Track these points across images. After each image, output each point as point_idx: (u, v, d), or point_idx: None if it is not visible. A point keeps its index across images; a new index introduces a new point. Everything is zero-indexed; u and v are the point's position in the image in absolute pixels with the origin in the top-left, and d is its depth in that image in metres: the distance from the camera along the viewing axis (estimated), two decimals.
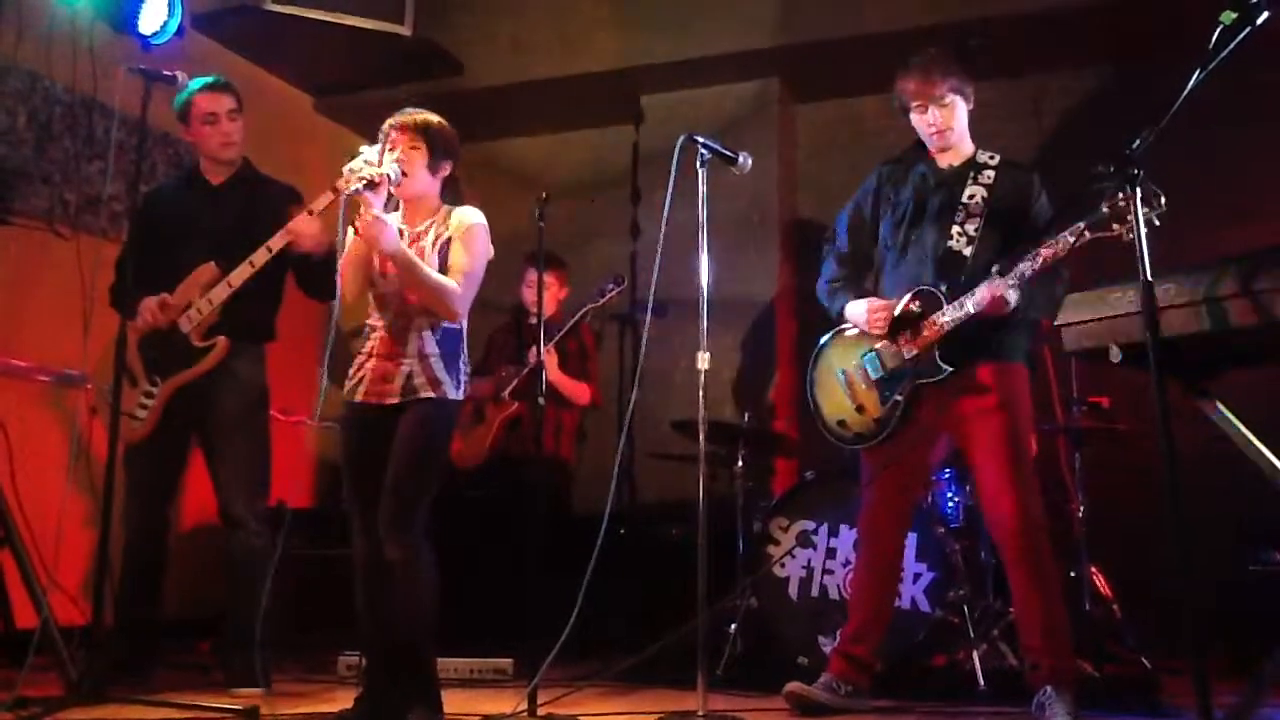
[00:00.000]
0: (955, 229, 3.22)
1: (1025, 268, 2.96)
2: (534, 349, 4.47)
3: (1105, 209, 2.63)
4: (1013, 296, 3.01)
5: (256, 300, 3.65)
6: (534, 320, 4.68)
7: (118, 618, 3.53)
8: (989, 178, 3.26)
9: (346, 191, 2.82)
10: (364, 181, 2.81)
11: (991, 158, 3.32)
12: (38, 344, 4.31)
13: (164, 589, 3.68)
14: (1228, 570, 4.04)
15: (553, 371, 4.59)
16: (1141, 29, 4.87)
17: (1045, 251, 2.92)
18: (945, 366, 3.12)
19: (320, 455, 5.86)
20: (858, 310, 3.31)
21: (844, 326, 3.43)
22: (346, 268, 2.93)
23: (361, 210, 2.81)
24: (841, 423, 3.35)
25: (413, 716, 2.80)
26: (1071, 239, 2.80)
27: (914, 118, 3.32)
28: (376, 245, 2.85)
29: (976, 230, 3.20)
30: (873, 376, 3.27)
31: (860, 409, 3.29)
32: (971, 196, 3.24)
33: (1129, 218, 2.36)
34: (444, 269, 2.95)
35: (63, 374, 4.31)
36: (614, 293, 4.62)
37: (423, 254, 2.95)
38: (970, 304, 3.04)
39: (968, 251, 3.19)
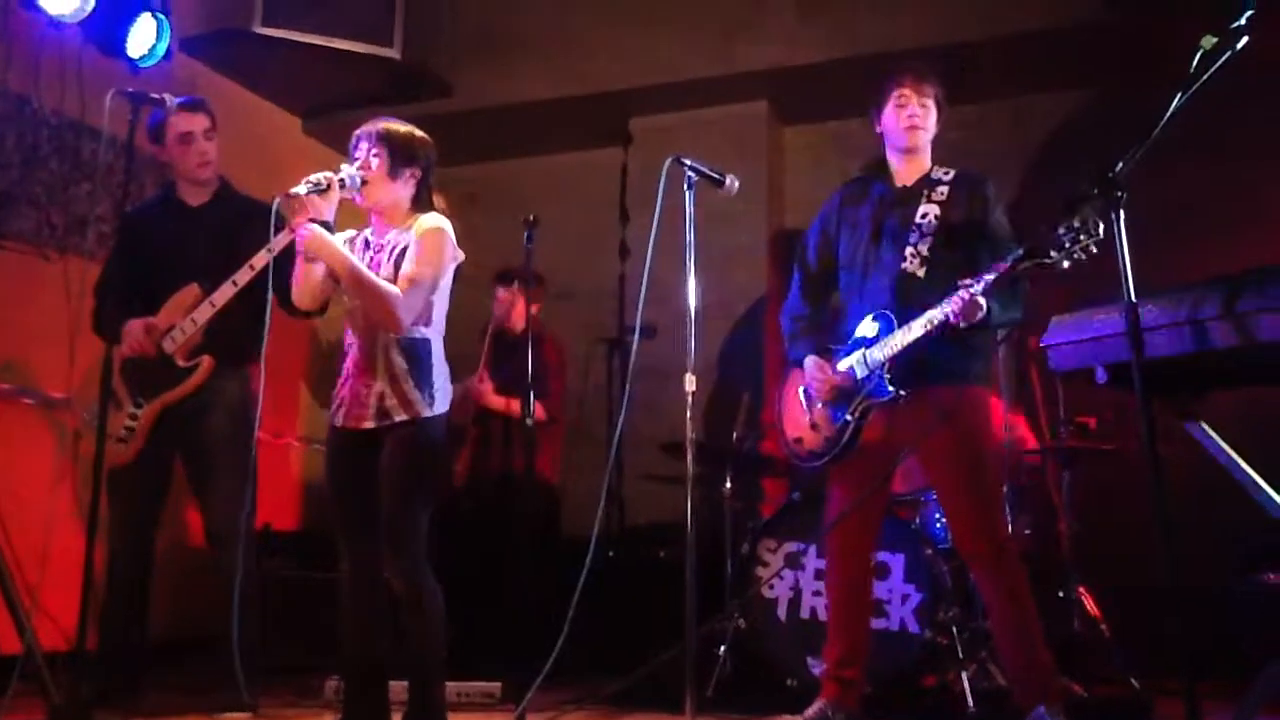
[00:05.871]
0: (909, 250, 3.22)
1: (986, 278, 2.94)
2: (479, 372, 4.59)
3: (1050, 235, 2.68)
4: (983, 301, 2.96)
5: (240, 320, 3.61)
6: (508, 338, 4.75)
7: (102, 641, 3.50)
8: (942, 194, 3.26)
9: (290, 192, 2.77)
10: (311, 185, 2.77)
11: (946, 173, 3.31)
12: (23, 366, 4.29)
13: (150, 611, 3.66)
14: (1218, 590, 4.04)
15: (489, 397, 4.72)
16: (1126, 52, 4.91)
17: (987, 276, 2.91)
18: (891, 389, 3.11)
19: (307, 478, 5.83)
20: (810, 368, 3.31)
21: None
22: (299, 276, 2.90)
23: (290, 214, 2.79)
24: (798, 440, 3.36)
25: None
26: (1007, 264, 2.85)
27: (891, 111, 3.29)
28: (307, 252, 2.80)
29: (930, 250, 3.20)
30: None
31: (814, 426, 3.30)
32: (924, 216, 3.24)
33: (1068, 247, 2.60)
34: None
35: (47, 397, 4.29)
36: (507, 297, 4.77)
37: (380, 264, 2.89)
38: (948, 309, 2.97)
39: (921, 273, 3.19)
